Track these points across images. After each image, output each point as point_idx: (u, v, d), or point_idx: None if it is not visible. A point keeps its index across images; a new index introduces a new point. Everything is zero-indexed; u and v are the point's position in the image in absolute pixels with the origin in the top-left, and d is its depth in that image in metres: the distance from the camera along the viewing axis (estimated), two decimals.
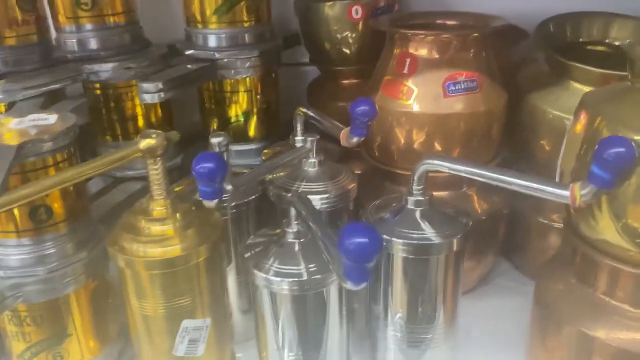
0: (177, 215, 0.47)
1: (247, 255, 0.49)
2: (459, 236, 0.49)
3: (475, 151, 0.60)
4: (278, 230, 0.50)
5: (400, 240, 0.48)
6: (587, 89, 0.55)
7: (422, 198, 0.50)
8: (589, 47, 0.68)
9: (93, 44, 0.67)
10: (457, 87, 0.57)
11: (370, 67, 0.76)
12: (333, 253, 0.39)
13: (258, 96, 0.70)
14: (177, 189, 0.56)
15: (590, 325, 0.45)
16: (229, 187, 0.47)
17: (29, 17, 0.69)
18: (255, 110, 0.71)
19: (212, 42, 0.67)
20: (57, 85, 0.62)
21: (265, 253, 0.49)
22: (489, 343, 0.60)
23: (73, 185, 0.50)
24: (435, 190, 0.61)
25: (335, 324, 0.49)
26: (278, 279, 0.46)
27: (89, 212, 0.54)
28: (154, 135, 0.46)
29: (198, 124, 0.81)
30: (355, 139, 0.53)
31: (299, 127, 0.66)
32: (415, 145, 0.60)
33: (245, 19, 0.67)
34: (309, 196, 0.54)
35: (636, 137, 0.38)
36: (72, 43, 0.68)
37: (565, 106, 0.58)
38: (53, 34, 0.74)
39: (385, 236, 0.49)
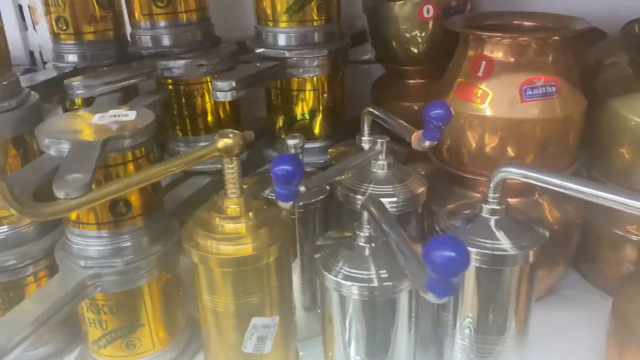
0: (250, 214, 0.48)
1: (317, 256, 0.50)
2: (535, 248, 0.47)
3: (550, 158, 0.58)
4: (348, 233, 0.50)
5: (474, 250, 0.47)
6: None
7: (498, 207, 0.48)
8: None
9: (166, 40, 0.69)
10: (534, 92, 0.55)
11: (437, 67, 0.75)
12: (413, 263, 0.38)
13: (325, 95, 0.70)
14: (244, 186, 0.56)
15: None
16: (302, 189, 0.47)
17: (107, 13, 0.71)
18: (321, 108, 0.71)
19: (281, 40, 0.67)
20: (133, 81, 0.64)
21: (335, 255, 0.49)
22: (555, 356, 0.58)
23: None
24: (503, 195, 0.60)
25: (404, 329, 0.49)
26: (348, 283, 0.46)
27: (163, 206, 0.56)
28: (231, 135, 0.47)
29: (263, 120, 0.82)
30: (427, 143, 0.52)
31: (366, 127, 0.66)
32: (487, 150, 0.59)
33: (316, 17, 0.67)
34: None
35: None
36: (146, 39, 0.69)
37: None
38: (126, 29, 0.76)
39: None
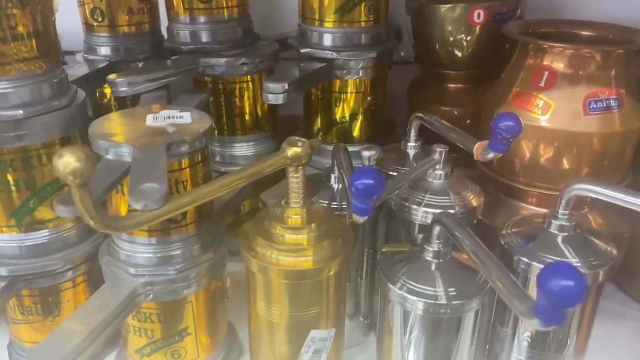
0: (312, 225, 0.46)
1: (380, 267, 0.48)
2: (605, 268, 0.46)
3: (605, 172, 0.57)
4: (403, 247, 0.49)
5: (542, 266, 0.46)
6: None
7: (567, 223, 0.47)
8: None
9: (207, 36, 0.66)
10: (598, 105, 0.54)
11: (480, 73, 0.74)
12: (513, 287, 0.36)
13: (368, 98, 0.69)
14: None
15: None
16: None
17: (144, 5, 0.69)
18: (362, 111, 0.70)
19: (327, 40, 0.65)
20: (174, 78, 0.62)
21: (399, 267, 0.47)
22: None
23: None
24: (551, 207, 0.59)
25: (465, 347, 0.48)
26: (414, 297, 0.45)
27: (213, 214, 0.54)
28: (299, 144, 0.45)
29: (291, 117, 0.80)
30: (492, 155, 0.51)
31: (412, 133, 0.64)
32: (542, 161, 0.58)
33: (364, 18, 0.65)
34: (434, 210, 0.53)
35: None
36: (184, 34, 0.67)
37: None
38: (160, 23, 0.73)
39: (524, 259, 0.47)
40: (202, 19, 0.66)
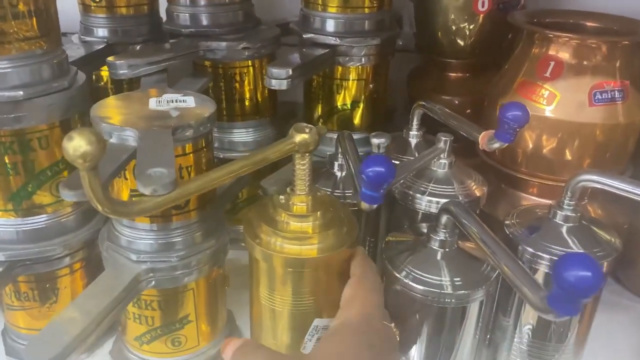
0: (318, 213, 0.45)
1: (385, 255, 0.48)
2: (609, 259, 0.47)
3: (607, 162, 0.58)
4: (408, 235, 0.49)
5: (547, 256, 0.46)
6: None
7: (573, 214, 0.47)
8: None
9: (207, 19, 0.65)
10: (603, 96, 0.54)
11: (481, 62, 0.74)
12: (525, 277, 0.36)
13: (370, 85, 0.68)
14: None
15: None
16: None
17: None
18: (363, 98, 0.69)
19: (330, 26, 0.64)
20: (175, 62, 0.60)
21: (404, 256, 0.47)
22: None
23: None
24: (552, 198, 0.59)
25: (469, 337, 0.48)
26: (419, 286, 0.45)
27: (215, 201, 0.53)
28: (307, 130, 0.44)
29: (289, 104, 0.79)
30: (497, 144, 0.50)
31: (415, 121, 0.64)
32: (545, 151, 0.58)
33: (368, 4, 0.64)
34: (438, 199, 0.53)
35: None
36: (184, 17, 0.65)
37: None
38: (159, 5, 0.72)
39: (529, 249, 0.47)
40: (202, 1, 0.65)
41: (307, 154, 0.45)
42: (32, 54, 0.44)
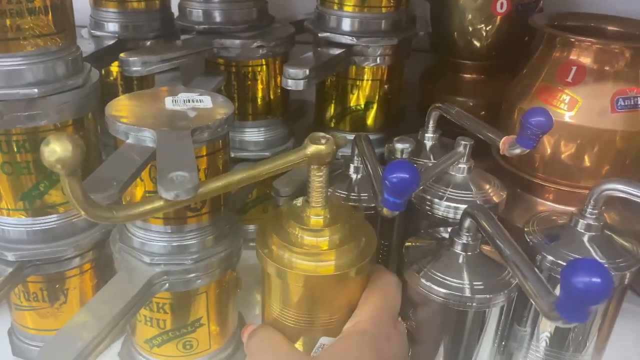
0: (335, 227, 0.42)
1: (407, 259, 0.47)
2: (632, 269, 0.46)
3: (626, 170, 0.57)
4: (430, 240, 0.48)
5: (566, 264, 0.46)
6: None
7: (595, 223, 0.47)
8: None
9: (220, 16, 0.64)
10: (626, 103, 0.53)
11: (497, 64, 0.73)
12: (537, 283, 0.36)
13: (385, 86, 0.67)
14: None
15: None
16: None
17: None
18: (377, 99, 0.68)
19: (346, 25, 0.63)
20: (189, 59, 0.59)
21: (426, 260, 0.46)
22: None
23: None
24: (568, 204, 0.58)
25: (488, 342, 0.47)
26: (440, 289, 0.44)
27: (230, 203, 0.52)
28: (323, 141, 0.40)
29: (299, 102, 0.79)
30: (519, 150, 0.49)
31: (431, 124, 0.63)
32: (563, 157, 0.57)
33: (385, 4, 0.62)
34: (456, 205, 0.52)
35: None
36: (197, 13, 0.64)
37: None
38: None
39: (549, 257, 0.47)
40: None
41: (323, 167, 0.41)
42: (47, 50, 0.43)
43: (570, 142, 0.56)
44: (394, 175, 0.38)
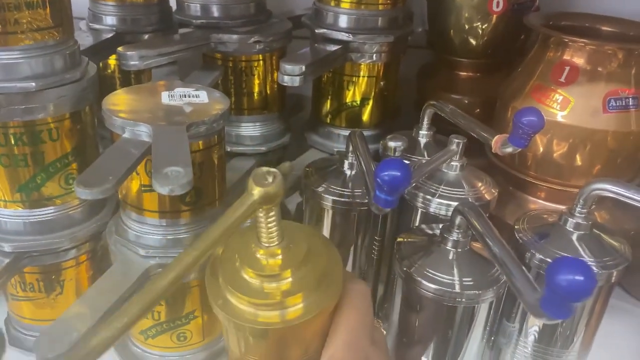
0: (294, 267, 0.32)
1: (398, 255, 0.48)
2: (619, 268, 0.47)
3: (617, 170, 0.57)
4: (421, 237, 0.49)
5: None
6: None
7: (584, 222, 0.47)
8: None
9: (218, 10, 0.64)
10: (617, 104, 0.53)
11: (493, 63, 0.73)
12: (522, 281, 0.37)
13: (381, 83, 0.67)
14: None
15: None
16: None
17: None
18: (373, 95, 0.68)
19: (343, 22, 0.64)
20: (186, 53, 0.59)
21: (417, 256, 0.47)
22: None
23: (219, 170, 0.49)
24: (559, 203, 0.59)
25: (477, 338, 0.48)
26: (430, 284, 0.45)
27: (225, 197, 0.52)
28: (270, 179, 0.30)
29: (295, 97, 0.79)
30: (511, 149, 0.50)
31: (425, 121, 0.63)
32: (555, 156, 0.58)
33: (382, 1, 0.63)
34: (448, 202, 0.53)
35: None
36: (195, 7, 0.65)
37: None
38: None
39: (538, 255, 0.47)
40: None
41: (272, 208, 0.31)
42: (44, 44, 0.43)
43: (562, 142, 0.56)
44: (386, 173, 0.39)
